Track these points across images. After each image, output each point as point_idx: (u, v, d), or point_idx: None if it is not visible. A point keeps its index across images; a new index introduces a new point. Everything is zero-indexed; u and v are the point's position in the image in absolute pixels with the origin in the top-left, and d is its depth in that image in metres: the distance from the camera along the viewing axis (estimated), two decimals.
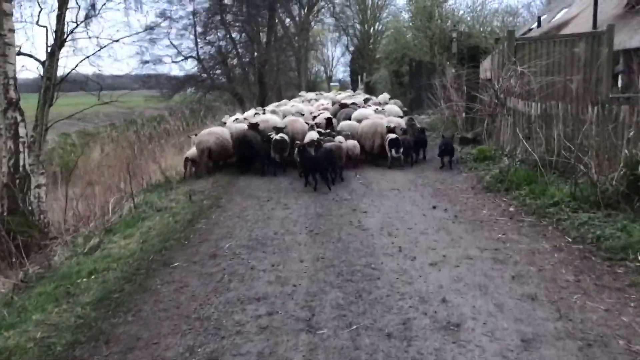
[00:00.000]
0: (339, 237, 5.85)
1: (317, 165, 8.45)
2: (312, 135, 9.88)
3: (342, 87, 47.72)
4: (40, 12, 11.32)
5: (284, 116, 12.24)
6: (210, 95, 33.63)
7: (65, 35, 10.15)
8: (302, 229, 6.25)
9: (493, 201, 7.20)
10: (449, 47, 23.44)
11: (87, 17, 10.97)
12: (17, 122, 8.40)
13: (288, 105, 15.61)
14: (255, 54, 32.26)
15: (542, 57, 11.24)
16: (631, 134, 6.10)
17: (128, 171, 9.81)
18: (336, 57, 63.44)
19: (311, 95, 20.32)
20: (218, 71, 34.13)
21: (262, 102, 26.38)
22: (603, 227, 5.36)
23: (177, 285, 4.70)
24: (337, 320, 3.85)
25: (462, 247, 5.33)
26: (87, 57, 11.20)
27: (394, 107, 14.30)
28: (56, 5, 10.73)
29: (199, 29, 31.65)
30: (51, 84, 9.87)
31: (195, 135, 10.82)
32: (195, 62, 32.54)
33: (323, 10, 42.89)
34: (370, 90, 31.18)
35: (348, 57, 52.90)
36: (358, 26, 46.46)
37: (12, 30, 8.49)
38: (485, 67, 14.28)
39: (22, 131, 8.52)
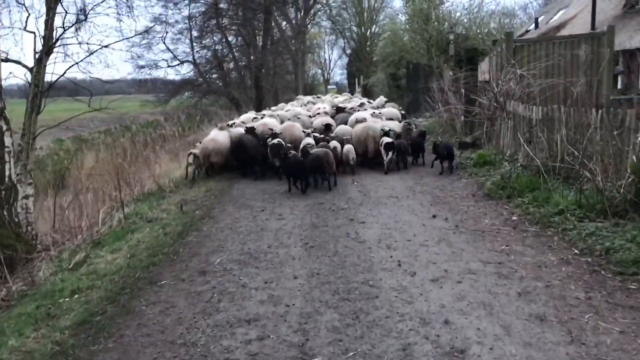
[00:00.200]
0: (335, 250, 5.58)
1: (300, 171, 8.50)
2: (308, 140, 9.78)
3: (340, 90, 47.50)
4: (27, 17, 11.05)
5: (282, 121, 12.07)
6: (206, 99, 33.41)
7: (54, 41, 9.85)
8: (297, 242, 5.99)
9: (495, 209, 6.95)
10: (446, 50, 23.22)
11: (76, 22, 10.65)
12: (2, 131, 8.12)
13: (285, 109, 15.43)
14: (252, 57, 32.02)
15: (542, 59, 11.04)
16: (639, 139, 5.85)
17: (118, 181, 9.52)
18: (333, 59, 63.39)
19: (308, 98, 20.13)
20: (214, 75, 33.95)
21: (259, 106, 26.18)
22: (612, 238, 5.11)
23: (163, 306, 4.42)
24: (333, 345, 3.58)
25: (463, 261, 5.07)
26: (77, 63, 10.93)
27: (392, 110, 14.09)
28: (44, 10, 10.46)
29: (194, 33, 31.48)
30: (39, 91, 9.58)
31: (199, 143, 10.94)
32: (192, 67, 32.38)
33: (319, 13, 42.79)
34: (368, 93, 31.00)
35: (345, 59, 52.78)
36: (355, 29, 46.35)
37: None
38: (484, 70, 14.07)
39: (7, 140, 8.24)
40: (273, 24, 34.40)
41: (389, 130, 10.27)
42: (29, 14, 10.78)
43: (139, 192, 10.59)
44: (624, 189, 5.69)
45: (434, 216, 6.75)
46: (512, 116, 9.71)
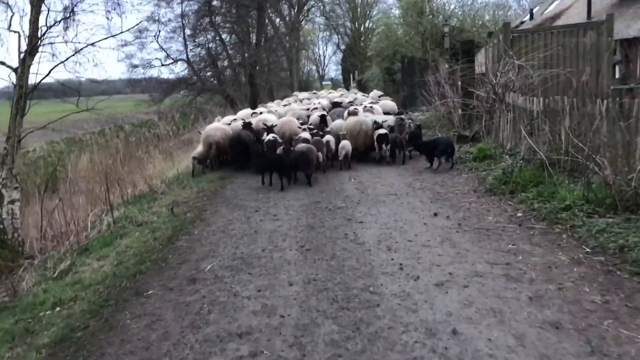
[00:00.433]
0: (332, 253, 5.29)
1: (273, 166, 8.66)
2: (304, 135, 9.78)
3: (335, 85, 47.10)
4: (12, 16, 10.65)
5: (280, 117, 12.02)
6: (201, 97, 33.02)
7: (38, 40, 9.49)
8: (292, 244, 5.69)
9: (498, 205, 6.66)
10: (441, 43, 22.94)
11: (61, 20, 10.28)
12: None
13: (281, 105, 15.34)
14: (246, 54, 31.62)
15: (540, 49, 10.76)
16: None
17: (107, 183, 9.20)
18: (328, 55, 63.02)
19: (305, 94, 19.93)
20: (208, 73, 33.55)
21: (254, 104, 25.84)
22: (625, 235, 4.83)
23: (149, 320, 4.12)
24: None
25: (469, 262, 4.79)
26: (62, 62, 10.54)
27: (388, 103, 13.87)
28: (29, 9, 10.08)
29: (188, 32, 31.06)
30: (23, 92, 9.23)
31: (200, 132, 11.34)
32: (185, 65, 31.96)
33: (313, 9, 42.46)
34: (363, 88, 30.68)
35: (339, 55, 52.45)
36: (348, 24, 46.02)
37: None
38: (480, 62, 13.78)
39: None
40: (267, 21, 34.01)
41: (383, 122, 10.19)
42: (13, 13, 10.41)
43: (131, 194, 10.28)
44: (635, 182, 5.42)
45: (435, 214, 6.46)
46: (511, 108, 9.43)
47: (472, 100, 11.39)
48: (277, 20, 36.97)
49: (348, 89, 27.70)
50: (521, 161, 7.81)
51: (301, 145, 8.95)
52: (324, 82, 57.04)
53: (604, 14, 11.78)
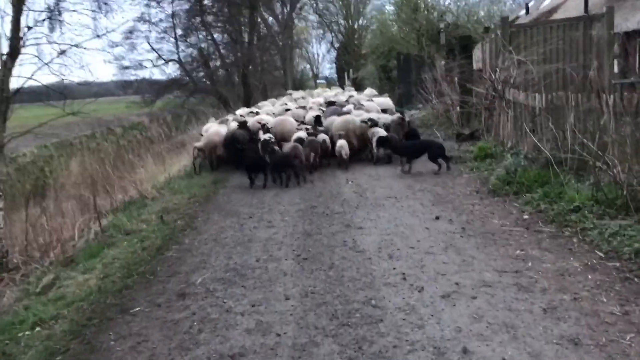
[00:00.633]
0: (331, 263, 4.99)
1: (258, 166, 8.76)
2: (300, 134, 9.70)
3: (329, 84, 46.81)
4: None
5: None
6: (194, 98, 32.64)
7: (19, 41, 9.15)
8: (288, 253, 5.39)
9: (503, 207, 6.39)
10: (437, 39, 22.64)
11: (44, 20, 9.94)
12: None
13: (276, 104, 15.12)
14: (239, 54, 31.26)
15: (539, 44, 10.50)
16: None
17: (94, 190, 8.86)
18: (321, 54, 62.54)
19: (300, 93, 19.64)
20: (201, 74, 33.19)
21: (247, 103, 25.52)
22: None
23: (134, 341, 3.81)
24: None
25: (476, 270, 4.51)
26: (46, 63, 10.23)
27: (385, 100, 13.63)
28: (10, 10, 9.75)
29: (179, 32, 30.71)
30: (5, 97, 8.90)
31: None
32: (177, 66, 31.59)
33: (306, 7, 42.05)
34: (358, 86, 30.36)
35: (333, 53, 52.04)
36: (342, 22, 45.60)
37: None
38: (478, 58, 13.51)
39: None
40: (259, 20, 33.66)
41: (377, 120, 9.91)
42: None
43: (120, 200, 9.94)
44: None
45: (437, 218, 6.18)
46: (512, 105, 9.17)
47: (471, 98, 11.13)
48: (270, 18, 36.61)
49: (343, 88, 27.39)
50: (523, 159, 7.54)
51: (288, 145, 9.04)
52: (318, 81, 56.62)
53: (600, 7, 11.55)
